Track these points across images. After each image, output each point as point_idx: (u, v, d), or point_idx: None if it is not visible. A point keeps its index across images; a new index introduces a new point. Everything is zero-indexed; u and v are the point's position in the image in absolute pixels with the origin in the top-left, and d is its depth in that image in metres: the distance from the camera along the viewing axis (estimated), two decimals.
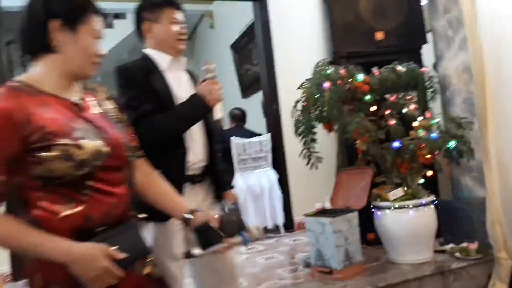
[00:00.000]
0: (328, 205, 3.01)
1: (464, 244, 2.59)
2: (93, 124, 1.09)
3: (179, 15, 1.65)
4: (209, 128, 1.66)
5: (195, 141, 1.59)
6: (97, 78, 5.30)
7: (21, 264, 1.19)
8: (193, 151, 1.57)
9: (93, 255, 0.98)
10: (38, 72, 1.08)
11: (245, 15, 5.60)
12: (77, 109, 1.09)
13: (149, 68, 1.59)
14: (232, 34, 6.33)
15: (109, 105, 1.21)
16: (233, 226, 1.24)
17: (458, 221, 2.80)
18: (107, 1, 6.26)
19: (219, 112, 1.61)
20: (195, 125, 1.59)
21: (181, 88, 1.61)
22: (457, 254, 2.54)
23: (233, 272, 1.69)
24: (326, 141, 3.23)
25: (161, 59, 1.62)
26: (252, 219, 3.91)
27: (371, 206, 2.82)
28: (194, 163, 1.58)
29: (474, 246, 2.55)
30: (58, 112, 1.05)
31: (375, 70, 2.77)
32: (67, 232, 1.00)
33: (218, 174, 1.69)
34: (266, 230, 4.14)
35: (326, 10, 3.33)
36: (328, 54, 3.62)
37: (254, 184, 3.93)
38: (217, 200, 1.70)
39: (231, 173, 4.09)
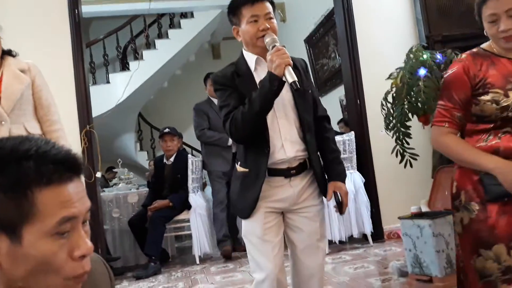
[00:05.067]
0: (425, 208, 3.02)
1: None
2: None
3: (258, 9, 1.74)
4: (302, 122, 1.79)
5: (285, 139, 1.75)
6: (164, 83, 5.72)
7: None
8: (286, 147, 1.75)
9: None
10: (489, 43, 1.67)
11: (320, 5, 5.73)
12: None
13: (237, 71, 1.80)
14: (306, 28, 6.47)
15: None
16: None
17: None
18: (174, 0, 6.70)
19: (290, 76, 1.60)
20: (284, 122, 1.76)
21: None
22: None
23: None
24: (420, 136, 3.24)
25: (250, 60, 1.82)
26: (336, 227, 3.97)
27: None
28: (286, 159, 1.74)
29: None
30: (502, 69, 1.59)
31: None
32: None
33: (321, 167, 1.83)
34: (351, 239, 4.19)
35: None
36: (419, 39, 3.63)
37: None
38: (321, 192, 1.84)
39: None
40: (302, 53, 6.70)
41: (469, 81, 1.61)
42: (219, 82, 1.81)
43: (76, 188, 0.76)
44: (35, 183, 0.71)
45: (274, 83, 1.62)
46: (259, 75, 1.77)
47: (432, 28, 3.24)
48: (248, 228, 1.78)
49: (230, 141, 4.12)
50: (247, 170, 1.75)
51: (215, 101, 4.08)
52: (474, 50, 1.68)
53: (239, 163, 1.80)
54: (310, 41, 6.55)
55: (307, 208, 1.79)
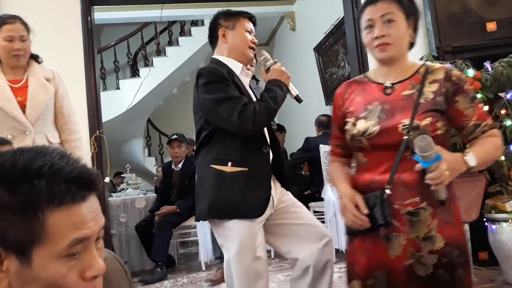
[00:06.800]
0: None
1: None
2: (386, 106, 1.43)
3: (251, 26, 1.97)
4: (268, 128, 1.92)
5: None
6: (174, 90, 5.67)
7: None
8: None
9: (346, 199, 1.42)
10: (374, 69, 1.56)
11: (330, 14, 5.73)
12: (387, 92, 1.46)
13: (229, 72, 1.85)
14: (315, 36, 6.47)
15: (431, 88, 1.42)
16: None
17: None
18: (185, 8, 6.74)
19: (294, 90, 1.88)
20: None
21: (251, 94, 1.91)
22: None
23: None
24: None
25: (234, 66, 1.91)
26: (343, 236, 3.94)
27: (484, 219, 2.77)
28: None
29: None
30: (368, 95, 1.49)
31: (487, 65, 2.75)
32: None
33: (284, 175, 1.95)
34: None
35: (427, 1, 3.34)
36: (429, 50, 3.61)
37: None
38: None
39: (319, 183, 4.18)
40: (311, 61, 6.71)
41: (339, 110, 1.55)
42: (217, 75, 1.78)
43: (90, 207, 0.73)
44: (46, 204, 0.68)
45: (285, 89, 1.84)
46: (243, 82, 1.90)
47: (442, 39, 3.22)
48: (245, 246, 1.71)
49: None
50: (246, 169, 1.75)
51: None
52: (357, 77, 1.60)
53: (229, 163, 1.75)
54: (319, 49, 6.55)
55: (284, 197, 1.92)
